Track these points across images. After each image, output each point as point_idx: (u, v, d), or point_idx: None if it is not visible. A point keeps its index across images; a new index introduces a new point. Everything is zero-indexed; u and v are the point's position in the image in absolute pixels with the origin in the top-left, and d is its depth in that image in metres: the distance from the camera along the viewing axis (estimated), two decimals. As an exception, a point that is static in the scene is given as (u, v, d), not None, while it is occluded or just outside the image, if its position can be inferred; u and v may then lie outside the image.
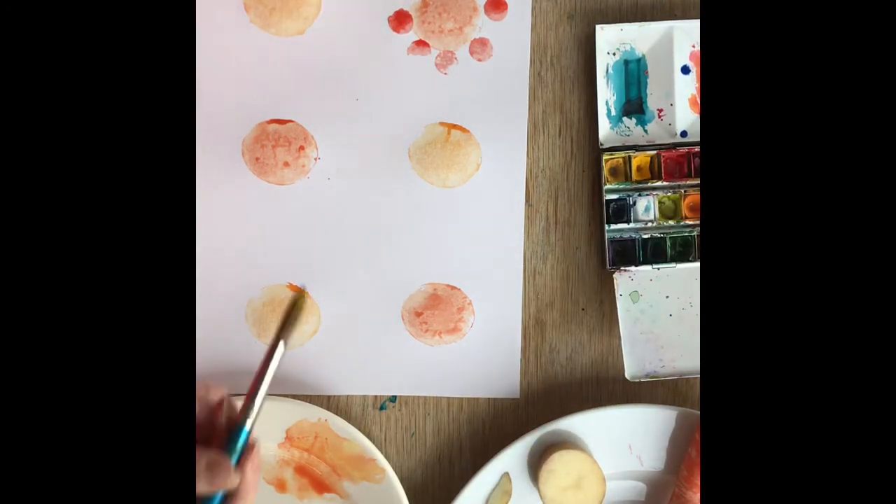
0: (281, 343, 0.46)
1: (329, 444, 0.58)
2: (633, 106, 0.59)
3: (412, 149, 0.59)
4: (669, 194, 0.59)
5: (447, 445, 0.60)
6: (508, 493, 0.58)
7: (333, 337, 0.59)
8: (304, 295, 0.47)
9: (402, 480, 0.59)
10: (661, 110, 0.59)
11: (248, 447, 0.44)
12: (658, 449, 0.58)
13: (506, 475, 0.58)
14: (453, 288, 0.59)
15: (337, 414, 0.59)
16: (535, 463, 0.57)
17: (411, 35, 0.59)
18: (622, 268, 0.58)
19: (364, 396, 0.60)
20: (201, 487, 0.42)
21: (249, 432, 0.44)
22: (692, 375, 0.57)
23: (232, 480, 0.43)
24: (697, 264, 0.58)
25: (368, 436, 0.59)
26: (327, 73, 0.59)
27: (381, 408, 0.60)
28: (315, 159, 0.59)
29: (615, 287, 0.58)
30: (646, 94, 0.59)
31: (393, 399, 0.60)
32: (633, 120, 0.59)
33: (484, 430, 0.60)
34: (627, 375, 0.57)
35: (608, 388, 0.60)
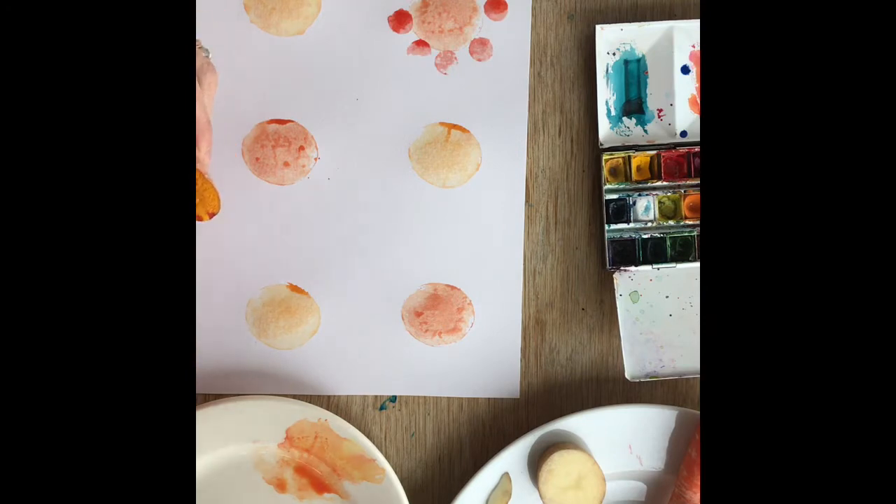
0: None
1: (329, 444, 0.58)
2: (633, 106, 0.59)
3: (412, 149, 0.59)
4: (669, 194, 0.59)
5: (447, 445, 0.60)
6: (508, 493, 0.58)
7: (333, 337, 0.59)
8: None
9: (402, 480, 0.59)
10: (661, 110, 0.59)
11: None
12: (658, 449, 0.58)
13: (506, 475, 0.58)
14: (453, 288, 0.59)
15: (337, 414, 0.59)
16: (535, 463, 0.57)
17: (411, 35, 0.59)
18: (622, 268, 0.58)
19: (364, 396, 0.60)
20: None
21: None
22: (692, 375, 0.57)
23: None
24: (697, 264, 0.58)
25: (368, 436, 0.59)
26: (327, 73, 0.59)
27: (381, 408, 0.60)
28: (315, 159, 0.59)
29: (615, 287, 0.58)
30: (646, 94, 0.59)
31: (393, 399, 0.60)
32: (633, 120, 0.59)
33: (484, 430, 0.60)
34: (627, 375, 0.57)
35: (608, 388, 0.60)
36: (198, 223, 0.51)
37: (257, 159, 0.59)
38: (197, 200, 0.48)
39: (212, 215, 0.50)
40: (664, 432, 0.58)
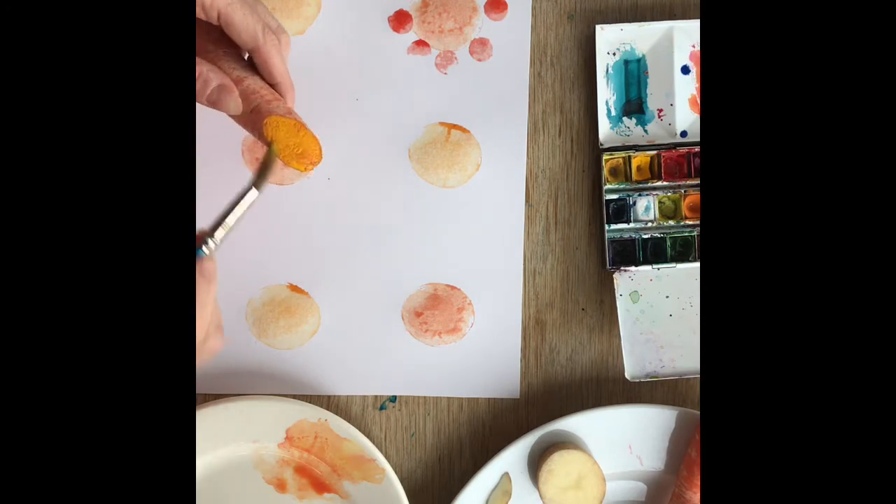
0: (253, 189, 0.47)
1: (329, 444, 0.58)
2: (633, 106, 0.59)
3: (412, 149, 0.59)
4: (669, 194, 0.59)
5: (447, 445, 0.60)
6: (508, 493, 0.58)
7: (333, 337, 0.59)
8: (273, 146, 0.49)
9: (402, 480, 0.59)
10: (661, 110, 0.59)
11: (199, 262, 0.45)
12: (658, 449, 0.58)
13: (506, 475, 0.58)
14: (453, 288, 0.59)
15: (337, 414, 0.59)
16: (535, 463, 0.57)
17: (411, 35, 0.59)
18: (622, 268, 0.58)
19: (364, 396, 0.60)
20: None
21: (205, 254, 0.45)
22: (692, 375, 0.57)
23: None
24: (697, 264, 0.58)
25: (368, 436, 0.59)
26: (327, 73, 0.59)
27: (381, 408, 0.60)
28: (315, 159, 0.59)
29: (615, 287, 0.58)
30: (646, 94, 0.59)
31: (393, 399, 0.60)
32: (633, 120, 0.59)
33: (484, 430, 0.60)
34: (627, 375, 0.57)
35: (608, 388, 0.60)
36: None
37: (257, 159, 0.59)
38: (299, 151, 0.49)
39: (314, 165, 0.50)
40: (664, 432, 0.58)
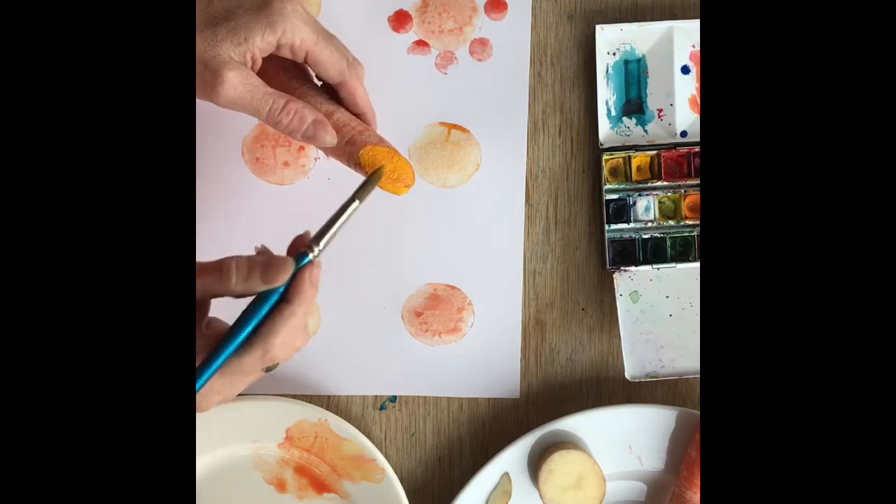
0: (356, 201, 0.48)
1: (329, 444, 0.58)
2: (633, 106, 0.59)
3: (412, 149, 0.59)
4: (669, 194, 0.59)
5: (447, 445, 0.60)
6: (508, 493, 0.58)
7: (333, 337, 0.59)
8: (383, 167, 0.50)
9: (402, 480, 0.59)
10: (661, 110, 0.59)
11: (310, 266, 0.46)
12: (658, 449, 0.58)
13: (506, 475, 0.58)
14: (453, 288, 0.59)
15: (337, 414, 0.59)
16: (535, 463, 0.57)
17: (411, 35, 0.59)
18: (622, 268, 0.58)
19: (364, 396, 0.60)
20: (254, 284, 0.45)
21: (311, 259, 0.46)
22: (692, 375, 0.57)
23: (283, 278, 0.45)
24: (697, 264, 0.58)
25: (368, 436, 0.59)
26: (327, 73, 0.59)
27: (381, 408, 0.60)
28: (315, 159, 0.59)
29: (615, 287, 0.58)
30: (646, 94, 0.59)
31: (393, 399, 0.60)
32: (633, 120, 0.59)
33: (484, 430, 0.60)
34: (627, 375, 0.57)
35: (608, 388, 0.60)
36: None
37: (257, 159, 0.59)
38: (395, 177, 0.51)
39: (409, 188, 0.52)
40: (664, 432, 0.58)
